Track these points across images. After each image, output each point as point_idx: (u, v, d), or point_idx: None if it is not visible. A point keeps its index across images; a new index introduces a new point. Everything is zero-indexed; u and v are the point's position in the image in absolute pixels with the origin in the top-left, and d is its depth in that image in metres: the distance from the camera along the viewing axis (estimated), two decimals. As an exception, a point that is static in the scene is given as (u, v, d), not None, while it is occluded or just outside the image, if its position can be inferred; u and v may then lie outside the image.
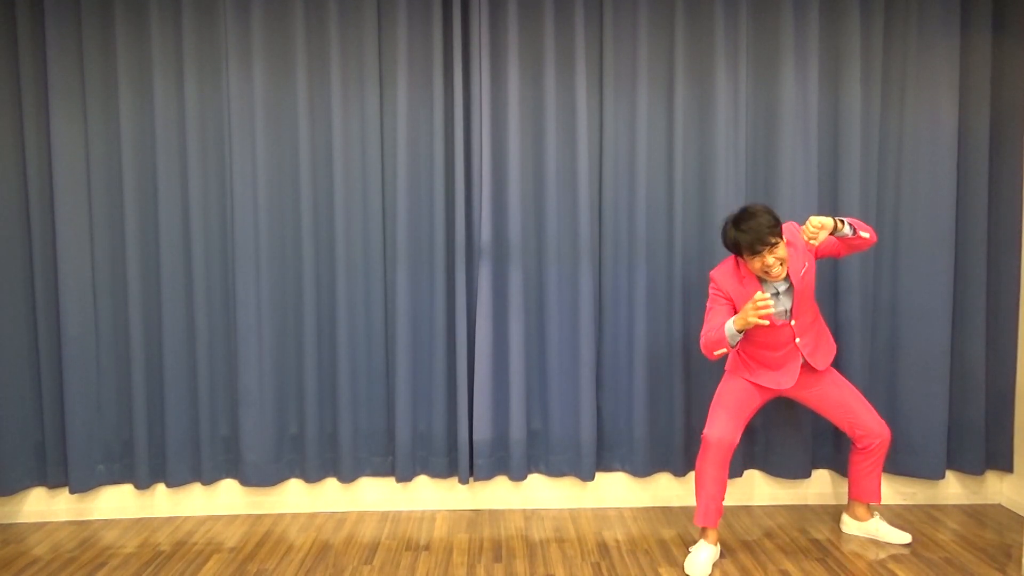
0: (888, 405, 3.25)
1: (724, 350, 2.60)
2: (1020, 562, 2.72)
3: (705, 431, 2.71)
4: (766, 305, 2.44)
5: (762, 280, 2.67)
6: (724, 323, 2.60)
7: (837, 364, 3.18)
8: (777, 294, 2.67)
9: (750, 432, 3.26)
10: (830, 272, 3.19)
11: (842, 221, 2.55)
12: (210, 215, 3.12)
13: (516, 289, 3.14)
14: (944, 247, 3.13)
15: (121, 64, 3.00)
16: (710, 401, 3.16)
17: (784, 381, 2.75)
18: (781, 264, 2.59)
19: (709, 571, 2.66)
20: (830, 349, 2.85)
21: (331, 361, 3.19)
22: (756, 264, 2.60)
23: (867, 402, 2.85)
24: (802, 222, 3.09)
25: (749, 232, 2.55)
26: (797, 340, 2.71)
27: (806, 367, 2.78)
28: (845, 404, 2.82)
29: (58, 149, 2.99)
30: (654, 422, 3.23)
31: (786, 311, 2.69)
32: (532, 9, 3.11)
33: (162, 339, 3.08)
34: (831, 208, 3.20)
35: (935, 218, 3.13)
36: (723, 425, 2.69)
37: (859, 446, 2.83)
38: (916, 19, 3.12)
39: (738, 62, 3.11)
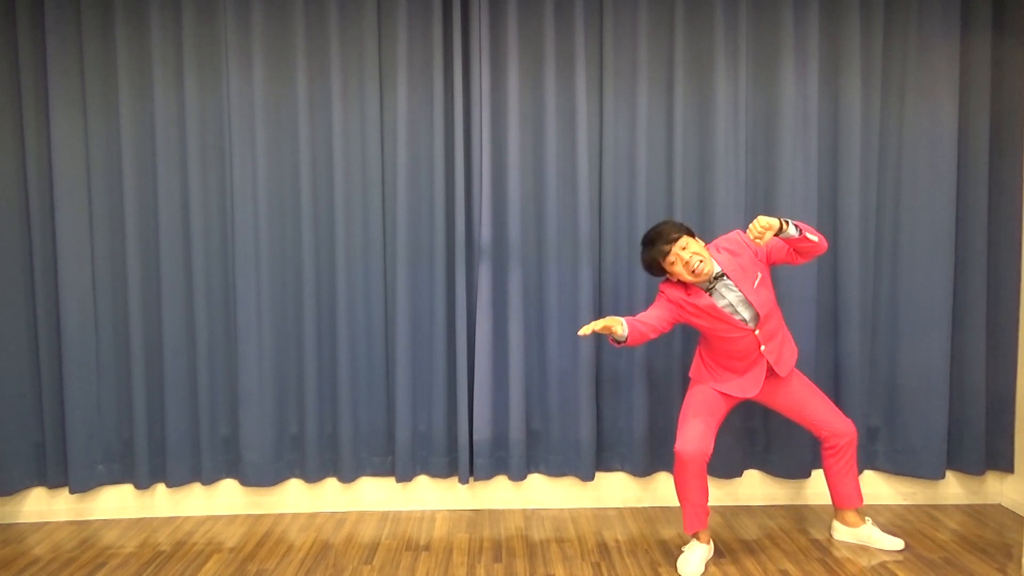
0: (888, 405, 3.25)
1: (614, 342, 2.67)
2: (1020, 562, 2.72)
3: (677, 445, 2.66)
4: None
5: (709, 291, 2.64)
6: (645, 319, 2.68)
7: (838, 364, 3.19)
8: (731, 304, 2.63)
9: (750, 432, 3.26)
10: (830, 272, 3.19)
11: (787, 222, 2.50)
12: (210, 215, 3.12)
13: (516, 289, 3.14)
14: (944, 247, 3.13)
15: (121, 64, 3.00)
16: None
17: (749, 388, 2.73)
18: (700, 260, 2.58)
19: (702, 571, 2.67)
20: (792, 354, 2.81)
21: (331, 361, 3.19)
22: (677, 268, 2.62)
23: (830, 402, 2.86)
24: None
25: (651, 241, 2.67)
26: (762, 348, 2.69)
27: (770, 372, 2.75)
28: (809, 405, 2.81)
29: (58, 149, 2.99)
30: (654, 422, 3.23)
31: (745, 320, 2.65)
32: (532, 9, 3.11)
33: (162, 339, 3.08)
34: (831, 208, 3.20)
35: (935, 218, 3.13)
36: (694, 437, 2.65)
37: (827, 446, 2.82)
38: (916, 19, 3.12)
39: (738, 62, 3.11)
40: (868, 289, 3.18)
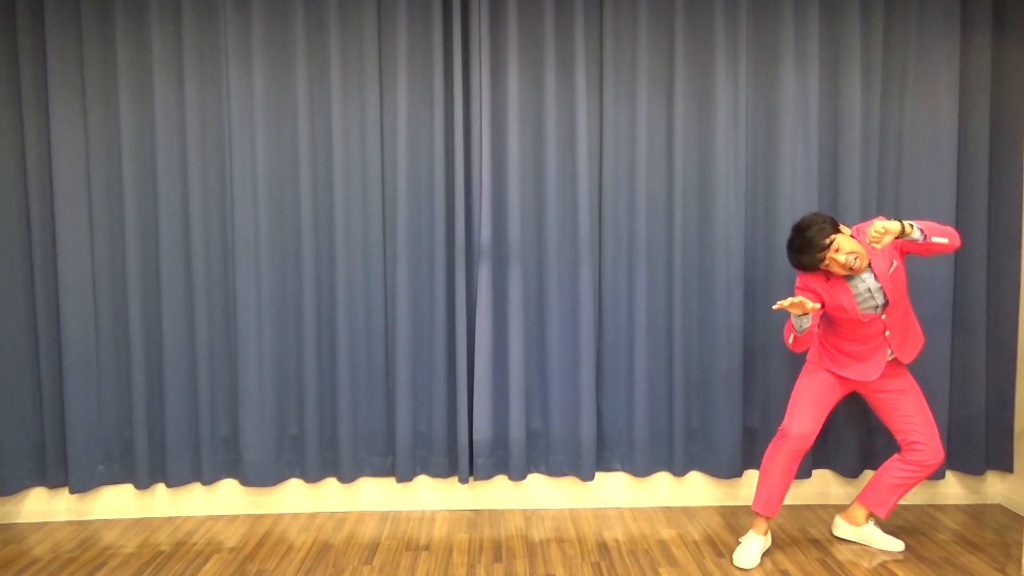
0: (888, 405, 3.25)
1: (792, 336, 2.67)
2: (1020, 562, 2.72)
3: (785, 423, 2.72)
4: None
5: (848, 279, 2.66)
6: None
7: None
8: (869, 290, 2.65)
9: (750, 432, 3.26)
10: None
11: (911, 225, 2.49)
12: (210, 215, 3.12)
13: (516, 289, 3.14)
14: (944, 247, 3.13)
15: (121, 64, 3.00)
16: (710, 400, 3.18)
17: (869, 372, 2.71)
18: (856, 257, 2.57)
19: (758, 562, 2.70)
20: (917, 343, 2.80)
21: (331, 361, 3.19)
22: (834, 269, 2.61)
23: (934, 425, 2.78)
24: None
25: (800, 250, 2.61)
26: (887, 333, 2.70)
27: (892, 360, 2.76)
28: (910, 416, 2.76)
29: (58, 149, 2.99)
30: (654, 422, 3.24)
31: (877, 306, 2.66)
32: (532, 9, 3.11)
33: (162, 339, 3.08)
34: (832, 208, 3.20)
35: (935, 218, 3.12)
36: (804, 419, 2.69)
37: (906, 458, 2.77)
38: (916, 19, 3.12)
39: (738, 62, 3.11)
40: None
